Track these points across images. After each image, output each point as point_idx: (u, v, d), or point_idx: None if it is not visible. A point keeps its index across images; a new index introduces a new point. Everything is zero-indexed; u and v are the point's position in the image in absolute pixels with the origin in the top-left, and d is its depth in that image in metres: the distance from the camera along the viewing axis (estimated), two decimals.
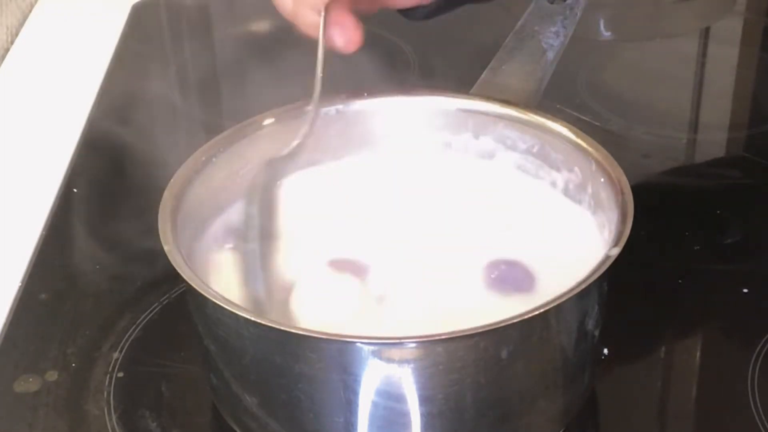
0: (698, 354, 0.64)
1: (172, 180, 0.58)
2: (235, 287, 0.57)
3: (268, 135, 0.63)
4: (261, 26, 1.01)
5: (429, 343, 0.50)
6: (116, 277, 0.70)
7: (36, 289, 0.69)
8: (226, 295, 0.52)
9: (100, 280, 0.70)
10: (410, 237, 0.61)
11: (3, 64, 0.97)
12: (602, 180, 0.59)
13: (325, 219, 0.62)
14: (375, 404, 0.51)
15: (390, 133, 0.66)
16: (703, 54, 0.97)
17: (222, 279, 0.58)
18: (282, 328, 0.50)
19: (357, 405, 0.51)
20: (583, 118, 0.84)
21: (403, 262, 0.59)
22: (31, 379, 0.62)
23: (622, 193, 0.56)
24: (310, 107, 0.62)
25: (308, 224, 0.62)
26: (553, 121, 0.62)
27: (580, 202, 0.62)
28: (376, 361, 0.50)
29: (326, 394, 0.52)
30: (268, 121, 0.64)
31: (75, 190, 0.78)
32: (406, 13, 0.68)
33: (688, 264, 0.70)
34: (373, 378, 0.50)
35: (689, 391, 0.63)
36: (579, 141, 0.61)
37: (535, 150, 0.64)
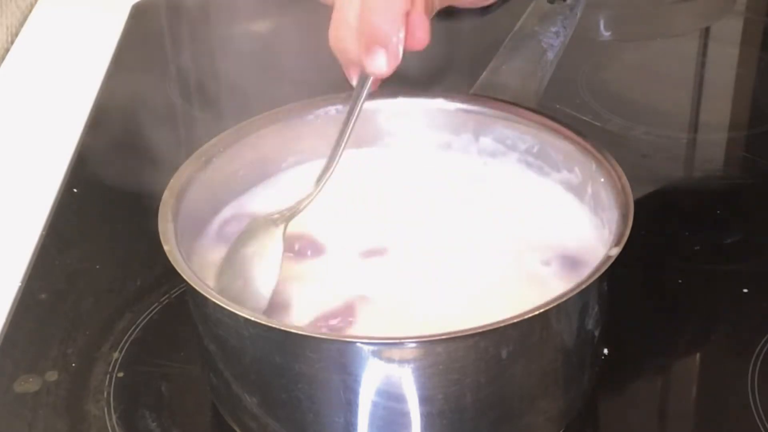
0: (698, 354, 0.64)
1: (172, 180, 0.58)
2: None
3: (268, 135, 0.64)
4: (261, 26, 1.01)
5: (429, 343, 0.50)
6: (116, 277, 0.70)
7: (36, 289, 0.69)
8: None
9: (100, 280, 0.70)
10: (410, 236, 0.61)
11: (3, 64, 0.97)
12: (602, 180, 0.59)
13: (324, 216, 0.62)
14: (375, 404, 0.51)
15: (390, 133, 0.66)
16: (703, 54, 0.97)
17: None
18: (282, 328, 0.50)
19: (357, 405, 0.51)
20: (583, 118, 0.84)
21: (402, 261, 0.59)
22: (31, 379, 0.62)
23: (623, 193, 0.56)
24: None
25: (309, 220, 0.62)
26: (553, 121, 0.62)
27: (580, 202, 0.62)
28: (376, 361, 0.50)
29: (326, 394, 0.52)
30: (267, 121, 0.64)
31: (75, 190, 0.78)
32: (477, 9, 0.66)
33: (688, 264, 0.70)
34: (373, 378, 0.50)
35: (689, 391, 0.63)
36: (579, 141, 0.61)
37: (535, 150, 0.64)
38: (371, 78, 0.56)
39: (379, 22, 0.54)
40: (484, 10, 0.64)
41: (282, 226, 0.57)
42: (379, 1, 0.54)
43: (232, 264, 0.57)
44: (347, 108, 0.57)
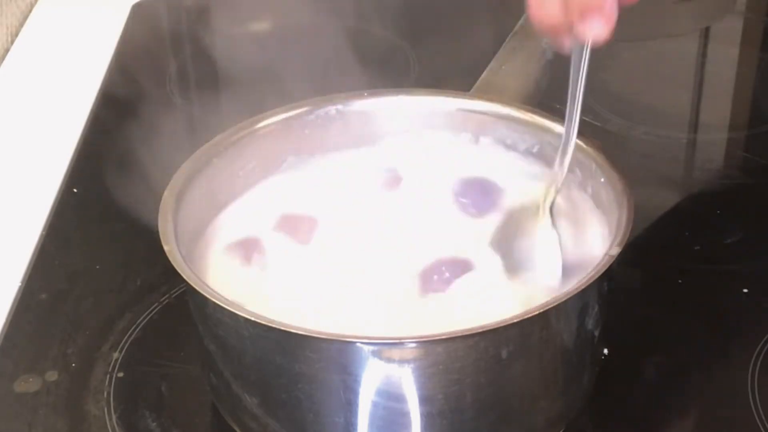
0: (698, 354, 0.64)
1: (172, 180, 0.58)
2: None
3: (268, 135, 0.64)
4: (261, 26, 1.01)
5: (429, 343, 0.50)
6: (116, 277, 0.70)
7: (36, 289, 0.69)
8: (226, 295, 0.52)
9: (100, 280, 0.70)
10: (409, 234, 0.61)
11: (3, 64, 0.97)
12: (602, 180, 0.59)
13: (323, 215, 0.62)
14: (375, 404, 0.51)
15: (390, 133, 0.66)
16: (703, 54, 0.97)
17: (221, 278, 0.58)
18: (282, 328, 0.50)
19: (357, 405, 0.51)
20: (583, 118, 0.83)
21: (401, 259, 0.59)
22: (31, 379, 0.62)
23: (622, 193, 0.56)
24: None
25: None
26: (553, 121, 0.62)
27: (580, 202, 0.62)
28: (376, 361, 0.50)
29: (326, 394, 0.52)
30: (268, 121, 0.64)
31: (75, 190, 0.78)
32: None
33: (688, 264, 0.70)
34: (373, 378, 0.50)
35: (689, 391, 0.62)
36: (579, 141, 0.61)
37: (535, 150, 0.64)
38: (588, 44, 0.54)
39: None
40: None
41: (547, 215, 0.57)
42: None
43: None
44: (570, 82, 0.56)
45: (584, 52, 0.55)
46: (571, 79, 0.55)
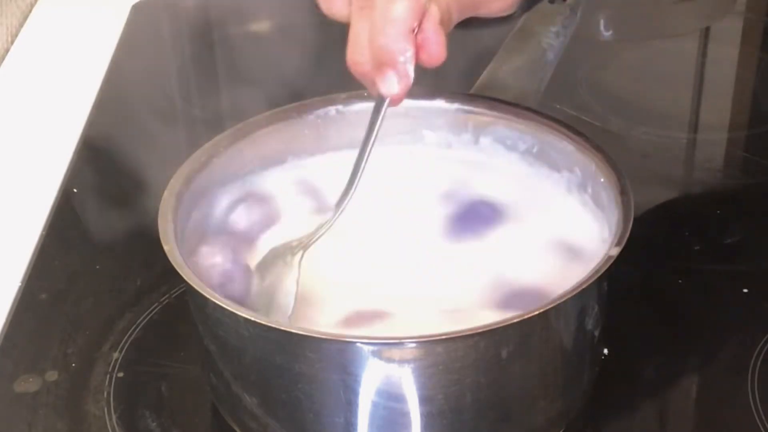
0: (698, 354, 0.64)
1: (172, 180, 0.58)
2: None
3: (268, 135, 0.64)
4: (261, 26, 1.01)
5: (429, 343, 0.50)
6: (116, 277, 0.70)
7: (36, 289, 0.69)
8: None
9: (100, 280, 0.70)
10: (408, 234, 0.61)
11: (3, 64, 0.97)
12: (602, 180, 0.59)
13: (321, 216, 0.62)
14: (375, 404, 0.51)
15: (390, 133, 0.66)
16: (703, 54, 0.97)
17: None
18: (282, 328, 0.50)
19: (357, 405, 0.51)
20: (583, 118, 0.84)
21: (400, 259, 0.59)
22: (31, 379, 0.62)
23: (622, 193, 0.56)
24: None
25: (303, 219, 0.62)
26: (553, 121, 0.62)
27: (580, 202, 0.62)
28: (376, 361, 0.50)
29: (326, 394, 0.52)
30: (268, 121, 0.64)
31: (75, 190, 0.78)
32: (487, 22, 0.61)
33: (688, 264, 0.70)
34: (373, 378, 0.50)
35: (689, 391, 0.63)
36: (579, 141, 0.61)
37: (535, 150, 0.64)
38: (387, 100, 0.54)
39: (385, 42, 0.52)
40: (504, 19, 0.61)
41: (299, 254, 0.56)
42: (384, 20, 0.52)
43: (257, 294, 0.56)
44: (364, 134, 0.56)
45: (381, 106, 0.55)
46: (368, 126, 0.55)
